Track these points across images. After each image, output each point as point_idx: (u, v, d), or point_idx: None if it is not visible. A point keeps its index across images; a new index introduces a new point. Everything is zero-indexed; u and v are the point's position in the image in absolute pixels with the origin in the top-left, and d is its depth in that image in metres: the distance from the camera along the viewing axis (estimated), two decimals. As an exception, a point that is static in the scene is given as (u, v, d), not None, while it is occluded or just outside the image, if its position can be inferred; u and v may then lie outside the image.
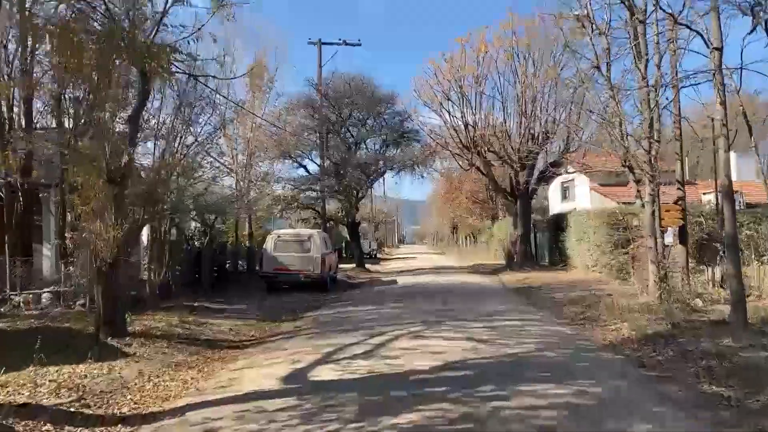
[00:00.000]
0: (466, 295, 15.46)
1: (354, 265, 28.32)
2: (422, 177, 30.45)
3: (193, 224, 21.48)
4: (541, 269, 23.37)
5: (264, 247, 18.47)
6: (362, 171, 24.38)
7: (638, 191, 11.17)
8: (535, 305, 12.86)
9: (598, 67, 11.23)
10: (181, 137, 14.82)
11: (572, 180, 35.86)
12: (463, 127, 23.63)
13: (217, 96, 15.69)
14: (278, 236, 18.46)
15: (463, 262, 35.23)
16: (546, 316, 11.16)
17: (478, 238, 55.59)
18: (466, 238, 58.49)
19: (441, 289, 17.37)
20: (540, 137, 23.58)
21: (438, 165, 29.48)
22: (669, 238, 12.95)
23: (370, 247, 43.63)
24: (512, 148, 23.31)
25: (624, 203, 24.12)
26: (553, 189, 38.01)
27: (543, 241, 28.14)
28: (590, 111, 12.43)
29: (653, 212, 10.74)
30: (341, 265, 29.64)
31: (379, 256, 49.66)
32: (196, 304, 14.00)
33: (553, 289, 15.89)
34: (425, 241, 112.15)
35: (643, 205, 11.11)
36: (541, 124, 23.62)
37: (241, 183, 21.95)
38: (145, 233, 15.06)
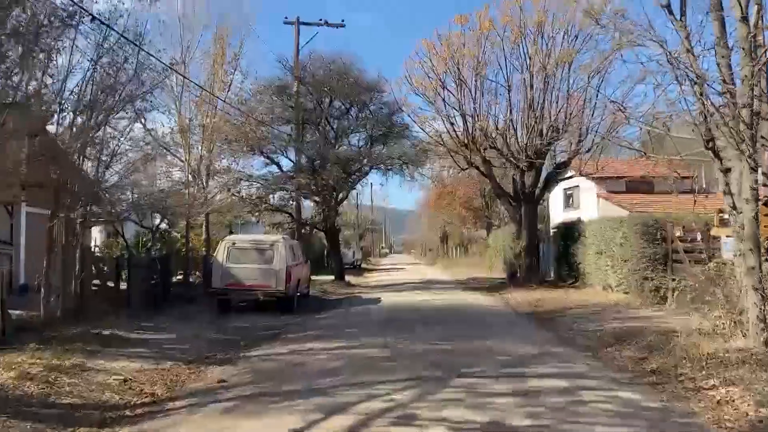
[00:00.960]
0: (470, 324, 11.90)
1: (333, 277, 24.66)
2: (412, 179, 26.97)
3: (137, 227, 17.77)
4: (550, 287, 19.92)
5: (214, 256, 14.80)
6: (343, 169, 20.83)
7: (726, 186, 7.57)
8: (571, 344, 9.31)
9: (667, 6, 7.78)
10: (100, 108, 11.30)
11: (577, 186, 32.56)
12: (460, 119, 20.23)
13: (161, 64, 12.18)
14: (233, 243, 14.80)
15: (457, 275, 31.71)
16: (595, 366, 7.60)
17: (468, 249, 52.34)
18: (455, 248, 55.14)
19: (436, 313, 13.81)
20: (549, 133, 20.19)
21: (430, 165, 25.95)
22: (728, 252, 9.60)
23: (353, 256, 40.00)
24: (518, 144, 19.91)
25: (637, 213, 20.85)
26: (555, 196, 34.68)
27: (547, 254, 24.72)
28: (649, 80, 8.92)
29: (755, 215, 7.28)
30: (319, 278, 26.00)
31: (364, 266, 46.03)
32: (108, 332, 10.33)
33: (579, 317, 12.40)
34: (413, 251, 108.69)
35: (733, 207, 7.64)
36: (551, 116, 20.24)
37: (194, 176, 18.29)
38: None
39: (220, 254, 14.67)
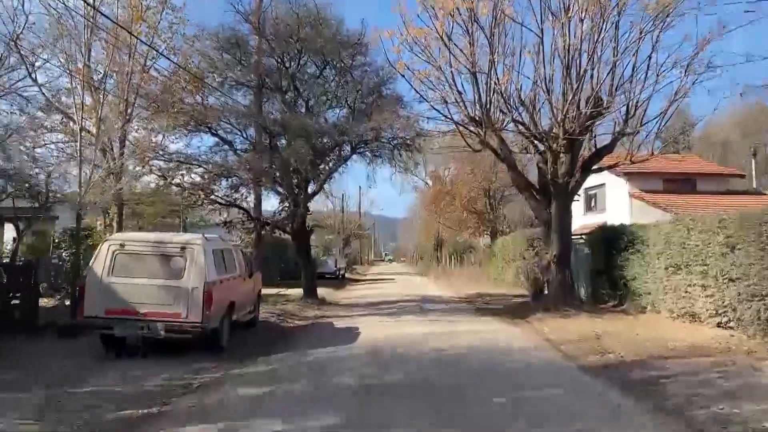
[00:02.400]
0: (514, 406, 6.38)
1: (302, 292, 19.13)
2: (405, 171, 21.61)
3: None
4: (591, 312, 14.57)
5: (90, 265, 9.25)
6: (312, 147, 15.36)
7: None
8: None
9: None
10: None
11: (602, 185, 27.36)
12: (471, 86, 14.84)
13: None
14: (120, 245, 9.26)
15: (457, 288, 26.25)
16: None
17: (463, 258, 46.92)
18: (450, 257, 49.78)
19: (446, 372, 8.10)
20: (591, 105, 14.86)
21: (431, 146, 20.45)
22: None
23: (335, 265, 34.46)
24: (554, 115, 14.55)
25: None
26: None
27: (577, 266, 19.43)
28: None
29: None
30: (287, 291, 20.51)
31: (349, 276, 40.48)
32: None
33: (693, 377, 7.06)
34: (404, 259, 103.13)
35: None
36: (595, 83, 14.94)
37: (105, 152, 12.91)
38: None
39: (99, 262, 9.15)
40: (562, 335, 11.13)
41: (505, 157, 16.30)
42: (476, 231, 30.43)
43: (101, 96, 11.87)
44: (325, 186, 20.27)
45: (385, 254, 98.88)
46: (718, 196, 24.95)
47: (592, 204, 28.55)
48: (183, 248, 9.23)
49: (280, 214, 17.52)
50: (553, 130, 14.50)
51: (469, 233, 32.41)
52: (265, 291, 23.48)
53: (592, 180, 27.14)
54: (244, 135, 15.92)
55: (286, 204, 17.20)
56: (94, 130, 13.39)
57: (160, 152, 16.00)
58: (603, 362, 8.59)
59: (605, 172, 21.68)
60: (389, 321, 13.69)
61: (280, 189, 16.59)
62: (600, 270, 17.33)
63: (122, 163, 13.53)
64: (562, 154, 15.36)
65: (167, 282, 9.09)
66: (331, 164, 17.84)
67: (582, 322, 12.75)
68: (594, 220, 27.52)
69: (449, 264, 47.23)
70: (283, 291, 22.17)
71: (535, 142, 16.58)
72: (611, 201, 26.72)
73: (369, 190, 62.28)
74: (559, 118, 14.40)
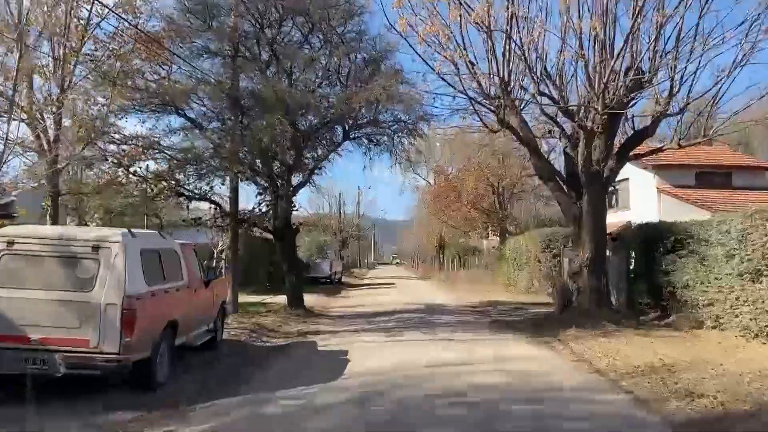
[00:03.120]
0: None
1: (287, 300, 16.41)
2: (406, 161, 18.89)
3: None
4: (639, 327, 11.91)
5: (-37, 271, 6.56)
6: (292, 123, 12.59)
7: None
8: None
9: None
10: None
11: (625, 180, 24.64)
12: (487, 45, 12.11)
13: None
14: (7, 244, 6.57)
15: (465, 295, 23.50)
16: None
17: (466, 261, 44.19)
18: (453, 259, 47.06)
19: None
20: (630, 77, 12.16)
21: (442, 124, 17.69)
22: None
23: (330, 269, 31.72)
24: (591, 86, 11.82)
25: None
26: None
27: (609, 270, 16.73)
28: None
29: None
30: (273, 299, 17.91)
31: (345, 280, 37.73)
32: None
33: None
34: (404, 263, 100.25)
35: None
36: (636, 52, 12.26)
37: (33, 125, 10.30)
38: None
39: (-27, 267, 6.45)
40: (616, 363, 8.40)
41: (527, 139, 13.59)
42: (484, 231, 27.67)
43: (19, 47, 9.16)
44: (315, 179, 17.51)
45: (393, 256, 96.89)
46: (757, 191, 22.27)
47: (614, 201, 25.79)
48: (96, 248, 6.52)
49: (259, 209, 14.76)
50: (591, 102, 11.76)
51: (476, 234, 29.66)
52: (248, 299, 20.84)
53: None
54: (217, 114, 13.11)
55: (267, 197, 14.45)
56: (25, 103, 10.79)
57: (114, 134, 13.31)
58: (699, 413, 5.85)
59: (629, 166, 19.06)
60: (386, 341, 10.92)
61: (257, 179, 13.80)
62: (637, 275, 14.68)
63: (56, 142, 10.83)
64: (601, 134, 12.62)
65: (71, 295, 6.39)
66: (319, 151, 15.12)
67: (633, 343, 10.03)
68: (616, 218, 24.78)
69: (452, 267, 44.54)
70: (268, 299, 19.48)
71: (563, 122, 13.94)
72: (636, 197, 24.01)
73: (368, 192, 59.34)
74: (597, 88, 11.67)
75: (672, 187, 22.19)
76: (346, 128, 15.00)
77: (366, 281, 40.93)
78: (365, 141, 16.65)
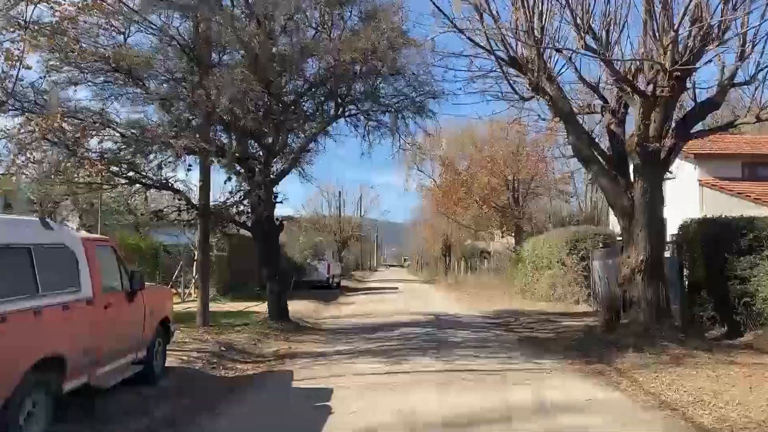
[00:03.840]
0: None
1: (268, 311, 13.65)
2: (412, 148, 16.28)
3: None
4: (713, 350, 9.16)
5: None
6: (267, 87, 9.85)
7: None
8: None
9: None
10: None
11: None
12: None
13: None
14: None
15: (477, 303, 20.74)
16: None
17: (471, 264, 41.45)
18: (458, 262, 44.31)
19: None
20: (695, 38, 9.40)
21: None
22: None
23: (328, 272, 28.96)
24: (660, 36, 9.05)
25: None
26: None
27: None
28: None
29: None
30: (258, 308, 15.32)
31: (345, 284, 35.00)
32: None
33: None
34: (407, 264, 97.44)
35: None
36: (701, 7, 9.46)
37: None
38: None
39: None
40: (729, 416, 5.64)
41: (565, 111, 10.82)
42: (498, 230, 24.87)
43: None
44: (304, 168, 14.79)
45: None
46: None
47: (645, 197, 22.97)
48: None
49: (234, 201, 12.01)
50: (654, 56, 8.96)
51: (489, 233, 26.85)
52: (228, 307, 18.11)
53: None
54: (171, 75, 10.32)
55: (240, 186, 11.72)
56: None
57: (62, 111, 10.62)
58: None
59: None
60: (386, 373, 8.13)
61: (224, 160, 11.00)
62: (696, 283, 11.88)
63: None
64: (659, 105, 9.83)
65: None
66: (307, 130, 12.37)
67: (724, 377, 7.28)
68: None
69: (459, 270, 41.78)
70: (254, 307, 16.81)
71: (606, 94, 11.21)
72: (673, 191, 21.14)
73: (370, 192, 56.23)
74: (665, 40, 8.89)
75: (717, 179, 19.36)
76: (339, 101, 12.26)
77: (368, 285, 38.18)
78: (363, 120, 13.94)
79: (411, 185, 41.79)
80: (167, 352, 8.23)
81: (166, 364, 8.09)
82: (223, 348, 9.83)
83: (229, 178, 11.37)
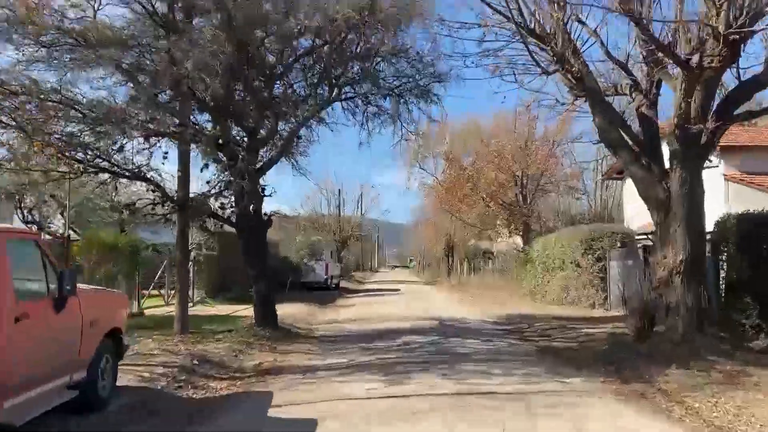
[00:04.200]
0: None
1: (254, 316, 12.25)
2: (416, 137, 14.99)
3: None
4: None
5: None
6: (260, 71, 8.48)
7: None
8: None
9: None
10: None
11: (677, 167, 20.46)
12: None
13: None
14: None
15: (483, 305, 19.35)
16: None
17: (475, 264, 40.13)
18: (461, 263, 42.93)
19: None
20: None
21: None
22: None
23: (326, 272, 27.60)
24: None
25: None
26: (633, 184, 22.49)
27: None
28: None
29: None
30: (248, 311, 14.03)
31: (344, 285, 33.63)
32: None
33: None
34: (412, 265, 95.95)
35: None
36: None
37: None
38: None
39: None
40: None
41: (592, 88, 9.45)
42: (506, 228, 23.45)
43: None
44: (297, 160, 13.46)
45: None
46: None
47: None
48: None
49: (215, 192, 10.63)
50: (707, 19, 7.56)
51: (495, 232, 25.39)
52: (216, 310, 16.79)
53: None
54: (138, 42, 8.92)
55: (221, 174, 10.34)
56: None
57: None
58: None
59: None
60: (385, 396, 6.74)
61: (201, 146, 9.62)
62: (736, 285, 10.51)
63: None
64: (701, 80, 8.44)
65: None
66: (298, 115, 10.98)
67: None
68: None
69: (462, 271, 40.41)
70: (243, 310, 15.57)
71: (638, 71, 9.84)
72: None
73: (371, 191, 54.62)
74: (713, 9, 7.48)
75: (742, 173, 17.96)
76: (333, 82, 10.87)
77: (368, 286, 36.82)
78: (361, 105, 12.60)
79: (413, 184, 40.47)
80: (123, 369, 6.90)
81: (126, 383, 6.76)
82: (195, 361, 8.46)
83: (206, 165, 9.99)
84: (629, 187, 22.68)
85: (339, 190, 43.12)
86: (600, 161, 26.18)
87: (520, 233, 23.77)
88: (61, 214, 20.97)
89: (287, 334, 11.77)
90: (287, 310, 16.59)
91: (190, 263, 19.22)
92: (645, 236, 20.29)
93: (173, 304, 17.79)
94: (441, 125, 29.11)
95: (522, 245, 23.34)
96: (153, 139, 10.22)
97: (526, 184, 23.52)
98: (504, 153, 22.73)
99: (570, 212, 27.46)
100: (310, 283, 26.16)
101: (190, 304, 18.58)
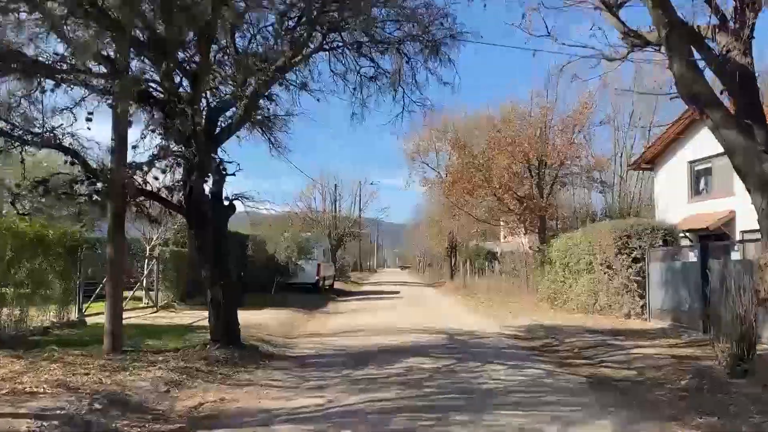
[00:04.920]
0: None
1: (209, 331, 9.43)
2: (410, 110, 12.18)
3: None
4: None
5: None
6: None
7: None
8: None
9: None
10: None
11: (721, 154, 17.86)
12: None
13: None
14: None
15: (497, 312, 16.62)
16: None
17: (478, 265, 37.47)
18: (464, 264, 40.19)
19: None
20: None
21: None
22: None
23: (318, 273, 24.88)
24: None
25: None
26: (668, 176, 19.84)
27: (687, 281, 9.89)
28: None
29: None
30: (206, 321, 11.28)
31: (339, 286, 30.93)
32: None
33: None
34: (408, 267, 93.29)
35: None
36: None
37: None
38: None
39: None
40: None
41: (672, 21, 6.70)
42: (523, 225, 20.62)
43: None
44: (274, 133, 10.90)
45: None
46: None
47: (703, 185, 18.89)
48: None
49: (148, 162, 7.87)
50: None
51: (508, 228, 22.53)
52: (185, 316, 14.14)
53: (703, 148, 17.63)
54: None
55: (152, 136, 7.58)
56: None
57: None
58: None
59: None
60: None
61: (129, 89, 6.84)
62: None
63: None
64: None
65: None
66: (265, 65, 8.24)
67: None
68: (707, 208, 17.93)
69: (467, 272, 37.65)
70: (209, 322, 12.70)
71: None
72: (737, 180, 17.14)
73: (370, 188, 51.38)
74: None
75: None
76: (314, 19, 8.11)
77: (365, 288, 34.11)
78: (353, 61, 9.88)
79: (414, 180, 37.90)
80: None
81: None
82: (98, 405, 5.70)
83: (152, 131, 7.19)
84: (663, 178, 20.02)
85: (336, 185, 40.36)
86: (633, 144, 23.37)
87: (535, 230, 21.00)
88: (11, 203, 18.17)
89: (252, 354, 8.99)
90: (265, 318, 13.87)
91: (153, 262, 16.56)
92: (690, 233, 17.60)
93: (130, 309, 15.06)
94: (444, 119, 26.76)
95: (537, 244, 20.57)
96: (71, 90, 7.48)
97: (543, 176, 20.76)
98: (519, 139, 19.97)
99: (589, 208, 24.74)
100: (299, 284, 23.46)
101: (153, 310, 15.91)
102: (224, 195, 9.24)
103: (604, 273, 15.44)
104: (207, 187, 8.96)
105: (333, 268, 31.01)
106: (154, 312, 15.21)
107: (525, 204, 19.98)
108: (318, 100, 11.14)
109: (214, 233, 8.91)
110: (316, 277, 24.81)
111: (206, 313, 14.80)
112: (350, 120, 11.64)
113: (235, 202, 9.19)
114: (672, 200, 19.03)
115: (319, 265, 25.14)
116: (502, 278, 32.34)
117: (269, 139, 11.84)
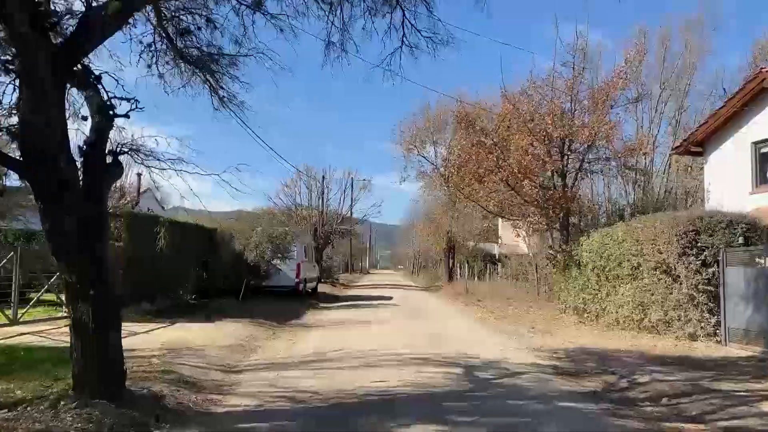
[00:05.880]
0: None
1: (78, 371, 5.68)
2: (413, 44, 8.46)
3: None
4: None
5: None
6: None
7: None
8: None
9: None
10: None
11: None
12: None
13: None
14: None
15: (514, 328, 12.97)
16: None
17: (476, 268, 34.09)
18: (460, 266, 36.68)
19: None
20: None
21: None
22: None
23: (298, 276, 21.19)
24: None
25: None
26: (724, 161, 16.26)
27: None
28: None
29: None
30: (153, 339, 7.24)
31: (324, 290, 27.24)
32: None
33: None
34: (401, 267, 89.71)
35: None
36: None
37: None
38: None
39: None
40: None
41: None
42: (546, 219, 16.84)
43: None
44: (216, 76, 7.42)
45: (362, 267, 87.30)
46: None
47: (770, 172, 15.28)
48: None
49: None
50: None
51: (528, 222, 18.85)
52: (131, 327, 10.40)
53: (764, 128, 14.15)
54: None
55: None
56: None
57: None
58: None
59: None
60: None
61: None
62: None
63: None
64: None
65: None
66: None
67: None
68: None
69: (464, 275, 34.04)
70: (158, 330, 9.21)
71: None
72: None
73: (362, 182, 47.25)
74: None
75: None
76: None
77: (353, 292, 30.41)
78: None
79: (408, 178, 34.48)
80: None
81: None
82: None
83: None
84: (717, 164, 16.48)
85: (323, 176, 36.49)
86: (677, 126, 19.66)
87: (557, 226, 17.38)
88: None
89: (142, 417, 5.26)
90: (212, 335, 10.22)
91: (11, 253, 12.47)
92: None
93: (24, 322, 11.29)
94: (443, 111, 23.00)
95: (560, 243, 16.94)
96: None
97: (567, 162, 17.15)
98: (539, 114, 16.36)
99: (616, 203, 21.20)
100: (275, 288, 19.80)
101: (8, 323, 11.61)
102: (108, 149, 5.57)
103: (659, 280, 11.85)
104: (78, 134, 5.32)
105: (317, 269, 27.26)
106: (10, 326, 10.57)
107: (550, 193, 16.33)
108: (282, 30, 7.76)
109: (84, 209, 5.21)
110: (296, 280, 21.10)
111: (149, 325, 11.12)
112: (324, 54, 8.09)
113: (123, 159, 5.50)
114: (729, 190, 15.45)
115: (299, 265, 21.39)
116: (507, 283, 28.85)
117: (209, 83, 8.30)
